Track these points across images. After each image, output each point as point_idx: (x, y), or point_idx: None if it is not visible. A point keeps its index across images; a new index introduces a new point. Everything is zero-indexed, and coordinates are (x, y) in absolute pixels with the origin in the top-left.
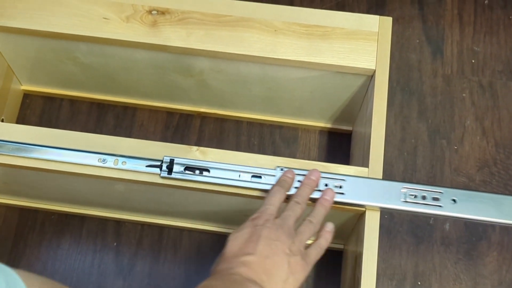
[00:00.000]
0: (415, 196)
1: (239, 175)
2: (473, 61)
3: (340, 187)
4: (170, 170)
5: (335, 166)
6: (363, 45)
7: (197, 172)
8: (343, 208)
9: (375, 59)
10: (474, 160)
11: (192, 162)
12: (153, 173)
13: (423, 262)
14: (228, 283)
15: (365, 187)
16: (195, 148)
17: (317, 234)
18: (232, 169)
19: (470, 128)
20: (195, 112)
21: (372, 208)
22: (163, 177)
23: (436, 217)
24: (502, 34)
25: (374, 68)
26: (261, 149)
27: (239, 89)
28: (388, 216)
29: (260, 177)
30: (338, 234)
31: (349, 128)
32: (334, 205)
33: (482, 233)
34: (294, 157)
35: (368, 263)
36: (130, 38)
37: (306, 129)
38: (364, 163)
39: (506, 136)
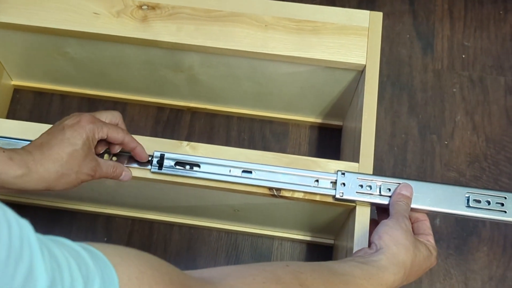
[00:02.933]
0: (479, 201)
1: (230, 170)
2: (463, 56)
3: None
4: (160, 165)
5: (326, 161)
6: (353, 40)
7: (188, 167)
8: (333, 203)
9: (366, 54)
10: (465, 155)
11: (183, 157)
12: (143, 168)
13: None
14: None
15: (429, 192)
16: (185, 143)
17: None
18: (222, 164)
19: (461, 123)
20: (185, 107)
21: (364, 204)
22: (153, 172)
23: (500, 222)
24: (493, 29)
25: (365, 63)
26: (252, 144)
27: (229, 84)
28: None
29: (250, 172)
30: (329, 229)
31: (339, 123)
32: (322, 200)
33: (473, 228)
34: (284, 152)
35: None
36: (120, 33)
37: (297, 124)
38: (355, 158)
39: (496, 131)
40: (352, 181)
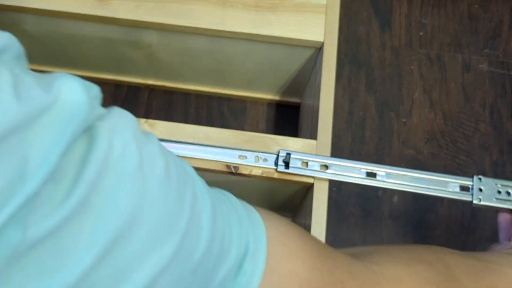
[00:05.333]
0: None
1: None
2: (421, 33)
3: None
4: None
5: (283, 139)
6: (311, 18)
7: None
8: (291, 180)
9: (323, 31)
10: (423, 132)
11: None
12: None
13: (372, 235)
14: None
15: None
16: (143, 120)
17: None
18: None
19: (418, 100)
20: (143, 85)
21: (321, 179)
22: None
23: None
24: (450, 6)
25: (322, 41)
26: (210, 122)
27: (187, 61)
28: (336, 189)
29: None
30: (286, 207)
31: (297, 100)
32: (281, 177)
33: (431, 206)
34: (242, 129)
35: (316, 236)
36: (78, 10)
37: (255, 101)
38: (312, 135)
39: (454, 108)
40: (490, 186)
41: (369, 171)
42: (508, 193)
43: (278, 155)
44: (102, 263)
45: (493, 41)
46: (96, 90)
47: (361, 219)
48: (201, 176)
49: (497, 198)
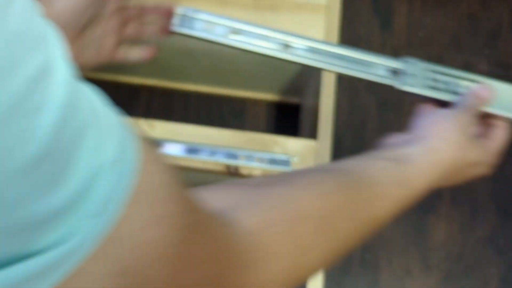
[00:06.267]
0: None
1: None
2: (421, 33)
3: None
4: None
5: (284, 139)
6: (311, 18)
7: None
8: None
9: (323, 31)
10: None
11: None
12: None
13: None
14: None
15: None
16: (143, 121)
17: None
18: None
19: None
20: (142, 85)
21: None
22: None
23: None
24: (450, 6)
25: None
26: (209, 123)
27: (187, 62)
28: None
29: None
30: None
31: (297, 100)
32: None
33: (430, 206)
34: (242, 129)
35: None
36: None
37: (254, 101)
38: (312, 135)
39: None
40: (421, 72)
41: (285, 42)
42: (436, 80)
43: (172, 13)
44: None
45: (493, 41)
46: None
47: None
48: (201, 176)
49: (428, 86)
